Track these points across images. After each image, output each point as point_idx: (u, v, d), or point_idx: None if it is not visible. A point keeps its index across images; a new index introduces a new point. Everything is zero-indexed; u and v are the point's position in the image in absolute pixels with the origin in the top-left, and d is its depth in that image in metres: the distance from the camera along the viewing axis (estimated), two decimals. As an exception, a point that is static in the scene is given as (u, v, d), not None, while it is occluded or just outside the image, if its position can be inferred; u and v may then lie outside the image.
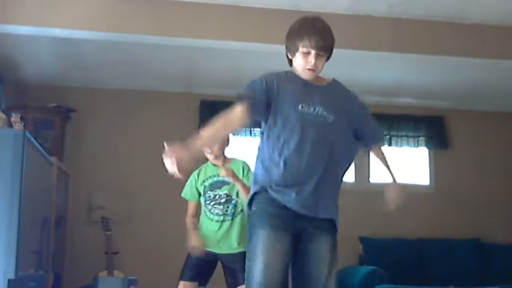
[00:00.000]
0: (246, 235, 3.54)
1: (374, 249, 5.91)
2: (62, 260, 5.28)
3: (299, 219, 2.34)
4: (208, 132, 2.36)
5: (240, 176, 3.50)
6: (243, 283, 3.44)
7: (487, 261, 6.07)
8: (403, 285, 5.21)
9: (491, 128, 6.68)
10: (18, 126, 3.97)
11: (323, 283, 2.31)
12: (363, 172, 6.22)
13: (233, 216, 3.53)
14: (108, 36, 4.42)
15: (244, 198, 3.47)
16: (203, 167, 3.70)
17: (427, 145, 6.55)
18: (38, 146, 4.09)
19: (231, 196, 3.55)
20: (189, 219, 3.69)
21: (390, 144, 6.45)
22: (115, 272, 5.24)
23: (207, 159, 3.68)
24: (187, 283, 3.54)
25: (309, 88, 2.46)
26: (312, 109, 2.40)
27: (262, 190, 2.39)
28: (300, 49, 2.43)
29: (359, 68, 5.45)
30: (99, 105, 6.06)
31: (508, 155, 6.66)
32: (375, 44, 4.61)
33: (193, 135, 2.31)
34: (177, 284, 3.57)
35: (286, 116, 2.39)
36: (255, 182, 2.44)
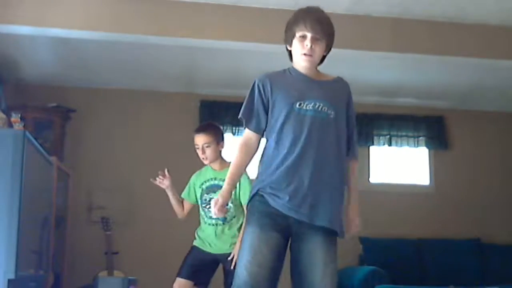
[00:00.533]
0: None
1: (374, 249, 5.90)
2: (62, 260, 5.28)
3: (293, 220, 2.31)
4: (234, 169, 2.44)
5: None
6: None
7: (487, 261, 6.07)
8: (403, 285, 5.21)
9: (491, 128, 6.68)
10: (18, 126, 3.97)
11: (318, 283, 2.26)
12: (363, 172, 6.21)
13: (225, 220, 3.53)
14: (108, 36, 4.42)
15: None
16: (203, 169, 3.71)
17: (427, 145, 6.55)
18: (38, 146, 4.08)
19: None
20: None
21: (390, 144, 6.46)
22: (115, 272, 5.24)
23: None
24: (182, 281, 3.56)
25: (309, 83, 2.42)
26: (312, 104, 2.36)
27: (258, 192, 2.38)
28: (297, 34, 2.41)
29: (359, 68, 5.45)
30: (99, 105, 6.06)
31: (508, 155, 6.66)
32: (375, 44, 4.61)
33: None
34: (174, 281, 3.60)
35: (280, 116, 2.37)
36: (254, 184, 2.44)
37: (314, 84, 2.43)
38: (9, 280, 3.36)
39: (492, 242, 6.26)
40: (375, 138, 6.42)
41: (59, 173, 5.11)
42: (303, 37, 2.40)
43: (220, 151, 3.64)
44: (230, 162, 3.62)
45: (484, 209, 6.46)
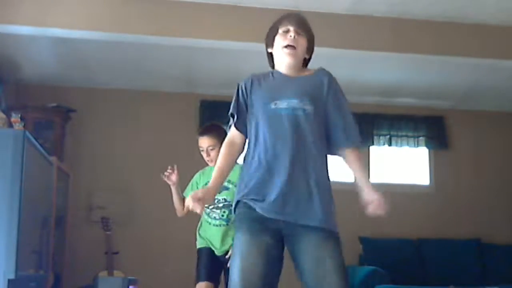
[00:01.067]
0: None
1: (374, 249, 5.91)
2: (62, 260, 5.28)
3: (281, 222, 2.25)
4: (220, 167, 2.40)
5: (236, 181, 3.53)
6: None
7: (487, 261, 6.07)
8: (403, 285, 5.21)
9: (491, 128, 6.68)
10: (18, 126, 3.97)
11: (321, 280, 2.17)
12: (363, 172, 6.20)
13: (228, 221, 3.52)
14: (108, 36, 4.42)
15: None
16: (207, 169, 3.69)
17: (427, 145, 6.55)
18: (38, 146, 4.08)
19: (229, 202, 3.54)
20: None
21: (390, 144, 6.46)
22: (115, 272, 5.24)
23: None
24: (203, 284, 3.47)
25: (287, 82, 2.38)
26: (286, 103, 2.30)
27: (242, 200, 2.33)
28: (280, 30, 2.41)
29: (359, 68, 5.45)
30: (99, 105, 6.06)
31: (508, 155, 6.66)
32: (375, 44, 4.61)
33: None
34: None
35: (257, 116, 2.34)
36: (237, 191, 2.40)
37: (292, 81, 2.39)
38: (9, 280, 3.36)
39: (492, 242, 6.25)
40: (375, 138, 6.42)
41: (59, 173, 5.11)
42: (286, 31, 2.40)
43: None
44: None
45: (484, 209, 6.46)
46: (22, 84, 5.80)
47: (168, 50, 5.05)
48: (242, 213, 2.32)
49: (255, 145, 2.34)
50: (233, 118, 2.43)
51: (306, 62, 2.51)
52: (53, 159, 4.83)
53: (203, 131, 3.63)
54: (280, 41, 2.41)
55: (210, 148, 3.54)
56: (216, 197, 3.53)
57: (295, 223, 2.24)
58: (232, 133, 2.45)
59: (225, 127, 5.82)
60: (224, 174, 2.42)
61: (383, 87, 6.08)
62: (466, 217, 6.39)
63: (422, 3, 4.40)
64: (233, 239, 3.51)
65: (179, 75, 5.83)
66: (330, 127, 2.37)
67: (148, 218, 5.84)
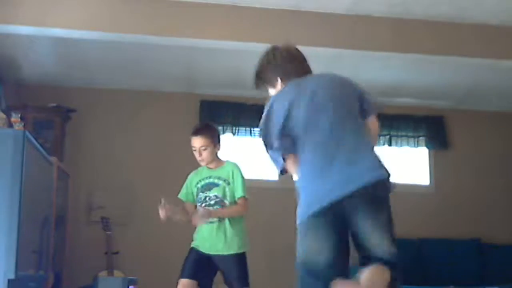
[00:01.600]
0: (237, 239, 3.56)
1: (374, 249, 5.89)
2: (62, 260, 5.28)
3: (344, 200, 2.34)
4: None
5: (229, 179, 3.56)
6: None
7: (487, 261, 6.07)
8: (403, 285, 5.20)
9: (491, 128, 6.68)
10: (18, 126, 3.96)
11: (369, 236, 2.40)
12: (363, 172, 6.20)
13: (219, 218, 3.54)
14: (108, 36, 4.41)
15: (233, 214, 3.54)
16: (200, 168, 3.71)
17: (427, 145, 6.55)
18: (38, 146, 4.09)
19: (220, 198, 3.55)
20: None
21: (390, 144, 6.46)
22: (115, 272, 5.24)
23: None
24: (185, 281, 3.51)
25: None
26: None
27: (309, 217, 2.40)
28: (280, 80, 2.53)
29: (359, 68, 5.45)
30: (99, 105, 6.06)
31: (508, 155, 6.66)
32: (375, 44, 4.61)
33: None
34: (177, 284, 3.57)
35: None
36: (300, 212, 2.44)
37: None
38: (9, 280, 3.36)
39: (492, 242, 6.25)
40: (375, 138, 6.42)
41: (59, 173, 5.11)
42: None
43: (217, 153, 3.64)
44: (225, 161, 3.66)
45: (484, 209, 6.46)
46: (22, 84, 5.80)
47: (168, 50, 5.05)
48: (307, 226, 2.38)
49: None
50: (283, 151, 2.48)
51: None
52: (53, 159, 4.83)
53: (196, 131, 3.64)
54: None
55: (203, 148, 3.55)
56: (207, 194, 3.56)
57: (355, 192, 2.40)
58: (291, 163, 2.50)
59: (224, 127, 5.91)
60: None
61: (383, 87, 6.07)
62: (466, 217, 6.38)
63: (422, 3, 4.40)
64: (226, 238, 3.53)
65: (179, 75, 5.83)
66: None
67: (148, 218, 5.79)
